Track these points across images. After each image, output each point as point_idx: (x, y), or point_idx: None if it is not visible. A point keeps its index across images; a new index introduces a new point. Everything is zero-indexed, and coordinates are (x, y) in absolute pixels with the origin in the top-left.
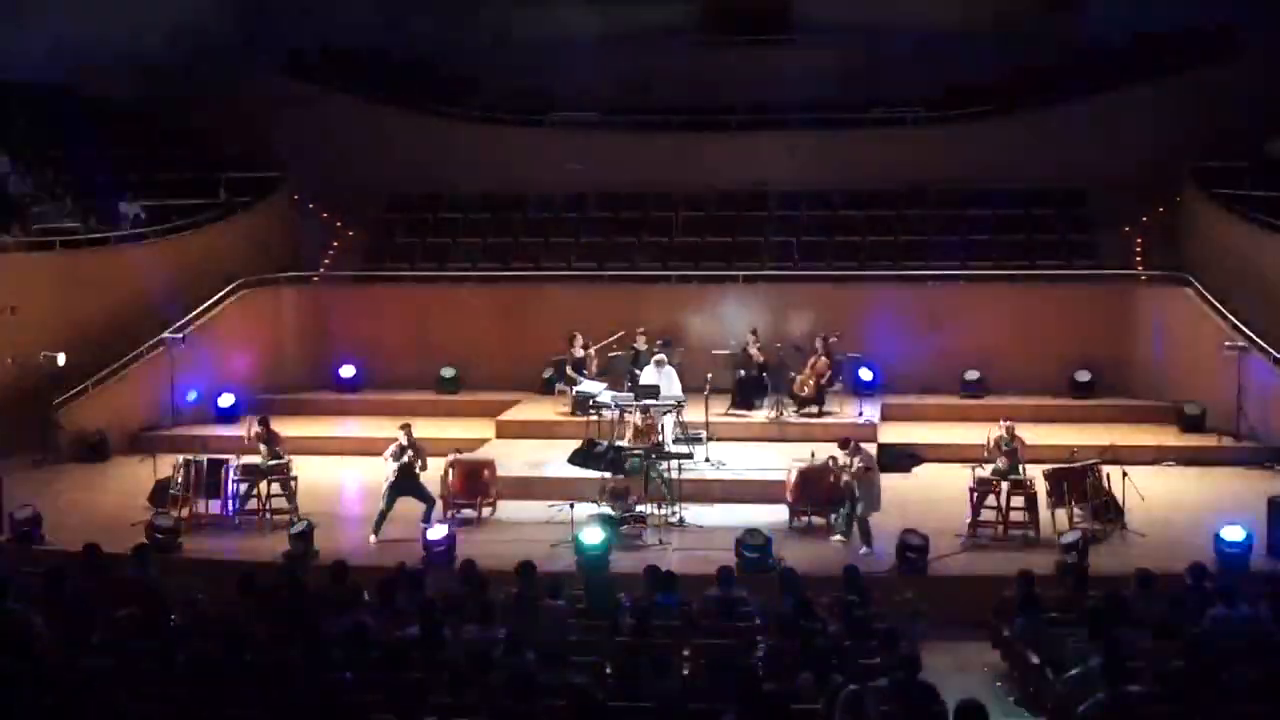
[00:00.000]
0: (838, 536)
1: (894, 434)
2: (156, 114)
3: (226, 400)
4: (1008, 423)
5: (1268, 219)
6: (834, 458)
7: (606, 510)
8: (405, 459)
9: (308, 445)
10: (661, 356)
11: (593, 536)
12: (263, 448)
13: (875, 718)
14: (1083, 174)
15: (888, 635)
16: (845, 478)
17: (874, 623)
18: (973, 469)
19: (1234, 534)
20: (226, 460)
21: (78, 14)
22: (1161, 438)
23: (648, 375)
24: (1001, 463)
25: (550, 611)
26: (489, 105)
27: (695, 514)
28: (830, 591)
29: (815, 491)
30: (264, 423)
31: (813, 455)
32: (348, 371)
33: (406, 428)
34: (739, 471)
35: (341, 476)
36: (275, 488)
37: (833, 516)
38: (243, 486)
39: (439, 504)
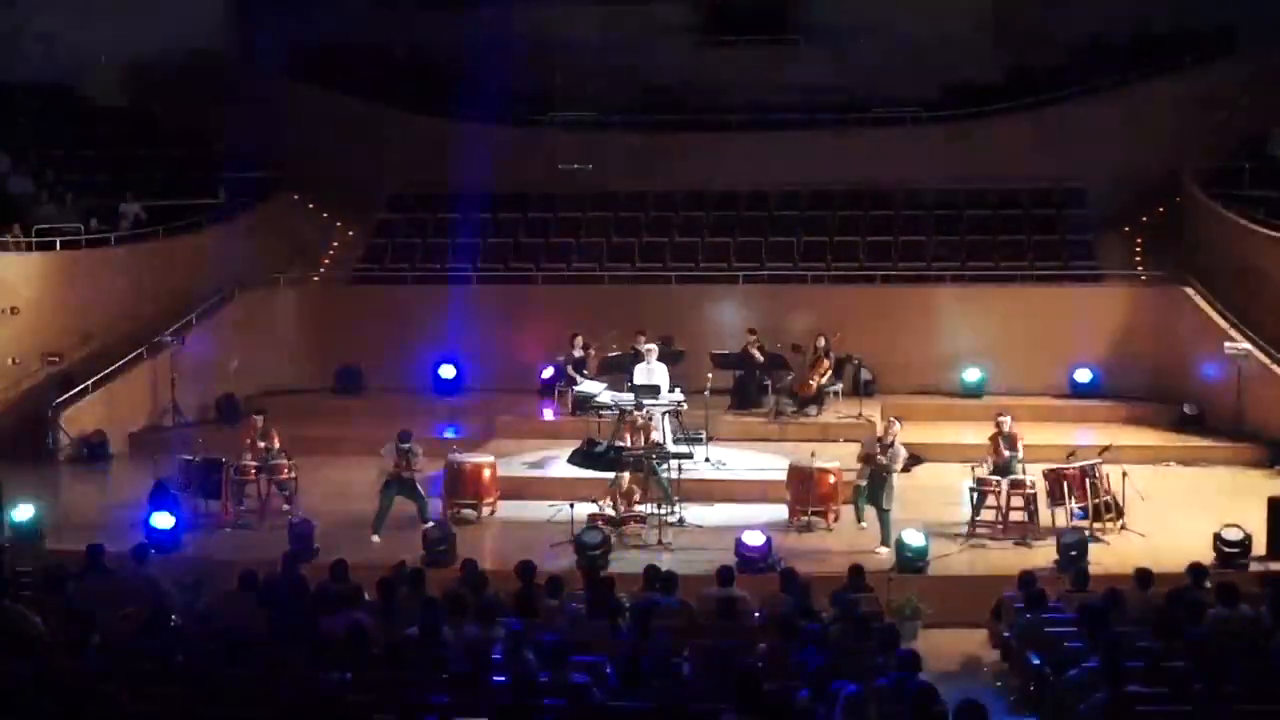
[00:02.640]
0: (883, 549)
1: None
2: (157, 114)
3: (227, 400)
4: (1003, 417)
5: (1268, 219)
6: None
7: (608, 510)
8: (403, 461)
9: (308, 445)
10: (651, 346)
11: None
12: (261, 445)
13: (875, 718)
14: (1083, 174)
15: (888, 635)
16: (882, 459)
17: (874, 622)
18: (973, 469)
19: (1234, 534)
20: (226, 460)
21: (78, 15)
22: (1161, 438)
23: (639, 374)
24: (1000, 457)
25: (550, 611)
26: (489, 105)
27: (695, 514)
28: (830, 591)
29: (815, 491)
30: (265, 421)
31: (813, 455)
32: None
33: (404, 435)
34: (739, 471)
35: (341, 476)
36: (274, 487)
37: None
38: (241, 486)
39: (438, 504)
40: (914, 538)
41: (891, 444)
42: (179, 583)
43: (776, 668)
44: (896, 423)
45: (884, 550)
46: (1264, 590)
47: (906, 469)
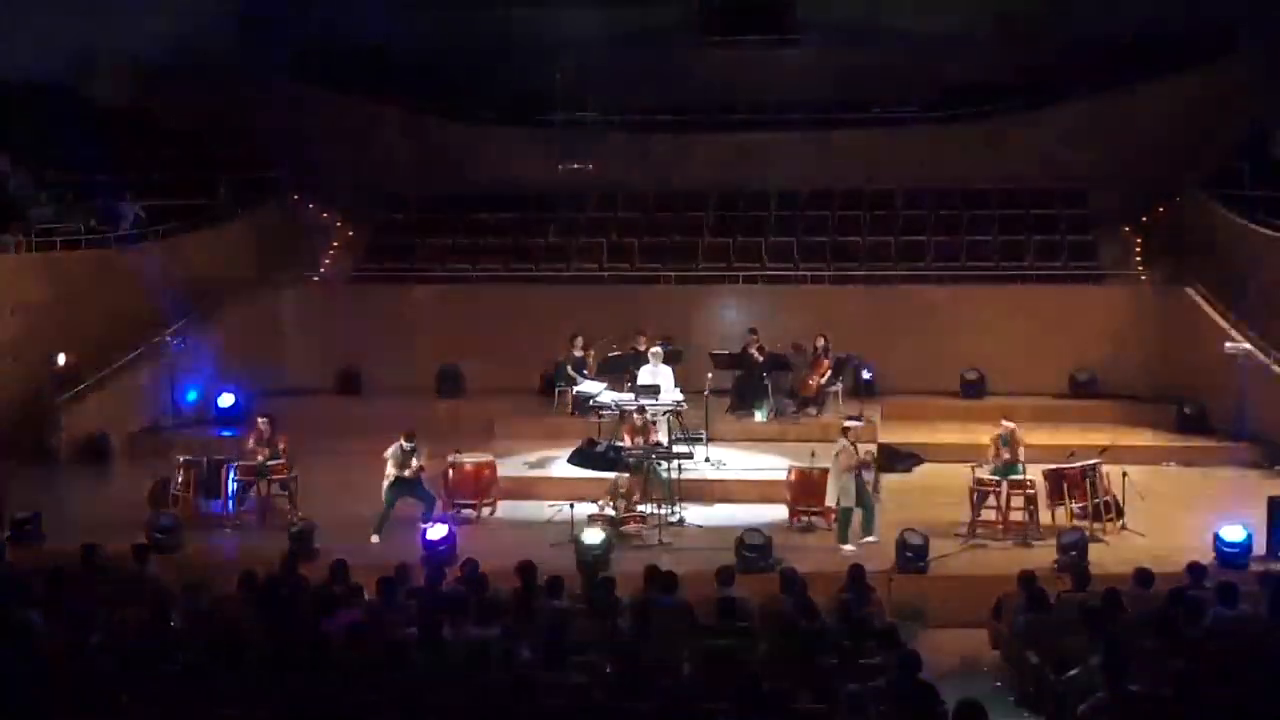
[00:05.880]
0: (871, 538)
1: (894, 434)
2: (156, 114)
3: (226, 400)
4: (1007, 422)
5: (1268, 219)
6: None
7: (608, 510)
8: (406, 461)
9: (308, 445)
10: (658, 349)
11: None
12: (267, 449)
13: (875, 718)
14: (1083, 174)
15: (888, 635)
16: (856, 462)
17: (874, 622)
18: (973, 469)
19: (1234, 534)
20: (226, 460)
21: (78, 14)
22: (1161, 438)
23: (644, 375)
24: (1002, 460)
25: (550, 611)
26: (489, 105)
27: (695, 514)
28: (830, 591)
29: (815, 492)
30: (270, 424)
31: (813, 455)
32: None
33: (410, 436)
34: (739, 471)
35: (341, 477)
36: (275, 488)
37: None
38: (242, 486)
39: (439, 504)
40: (914, 538)
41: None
42: (179, 583)
43: (776, 668)
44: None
45: (850, 549)
46: (1264, 590)
47: (906, 469)
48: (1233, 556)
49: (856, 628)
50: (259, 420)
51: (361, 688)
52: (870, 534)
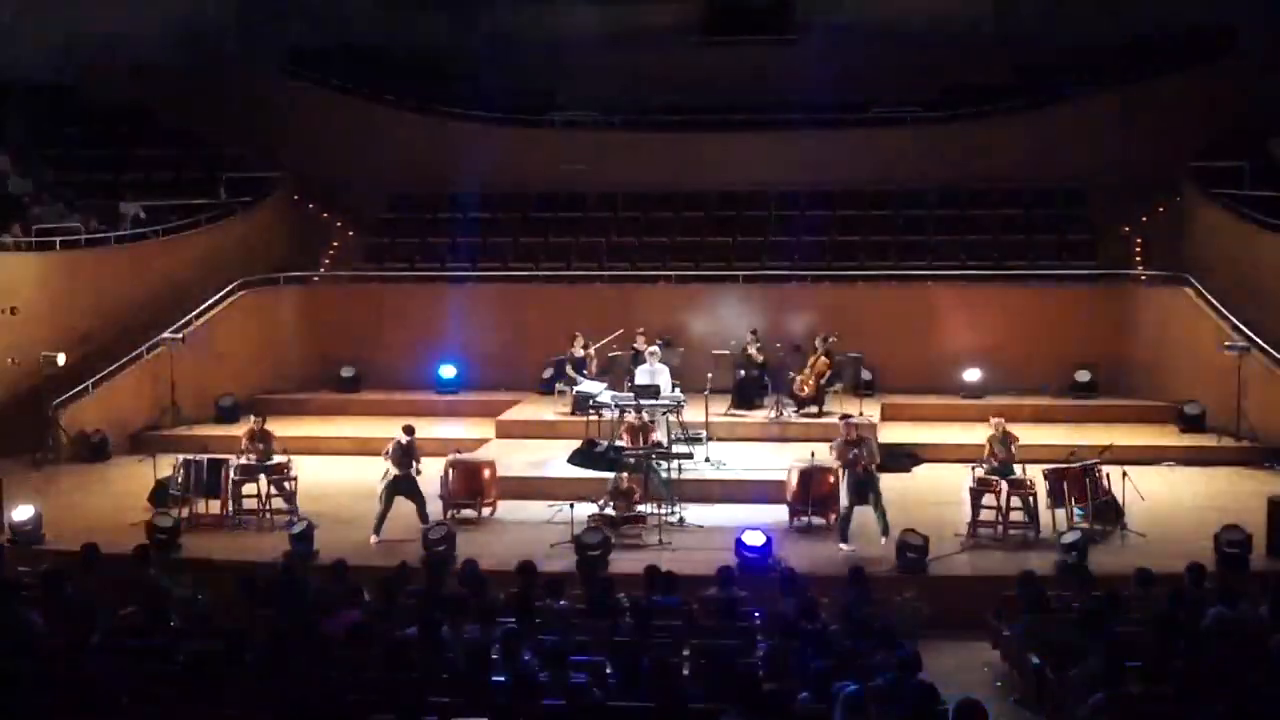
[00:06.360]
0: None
1: (894, 434)
2: (156, 114)
3: (229, 400)
4: (998, 419)
5: (1268, 219)
6: (852, 434)
7: (608, 510)
8: (405, 458)
9: (308, 445)
10: (655, 349)
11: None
12: (260, 447)
13: (875, 718)
14: (1083, 174)
15: (887, 635)
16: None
17: (874, 622)
18: (972, 469)
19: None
20: (226, 460)
21: (79, 14)
22: (1161, 438)
23: (642, 375)
24: (998, 461)
25: (550, 611)
26: (489, 105)
27: (695, 514)
28: (831, 591)
29: (815, 491)
30: (261, 423)
31: (813, 455)
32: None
33: (409, 430)
34: (739, 471)
35: (341, 476)
36: (275, 488)
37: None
38: (240, 487)
39: (439, 504)
40: (914, 538)
41: (863, 441)
42: (179, 583)
43: (776, 668)
44: (853, 418)
45: (884, 540)
46: (1264, 590)
47: (906, 469)
48: (1233, 556)
49: (856, 628)
50: (251, 420)
51: (361, 688)
52: (883, 533)
